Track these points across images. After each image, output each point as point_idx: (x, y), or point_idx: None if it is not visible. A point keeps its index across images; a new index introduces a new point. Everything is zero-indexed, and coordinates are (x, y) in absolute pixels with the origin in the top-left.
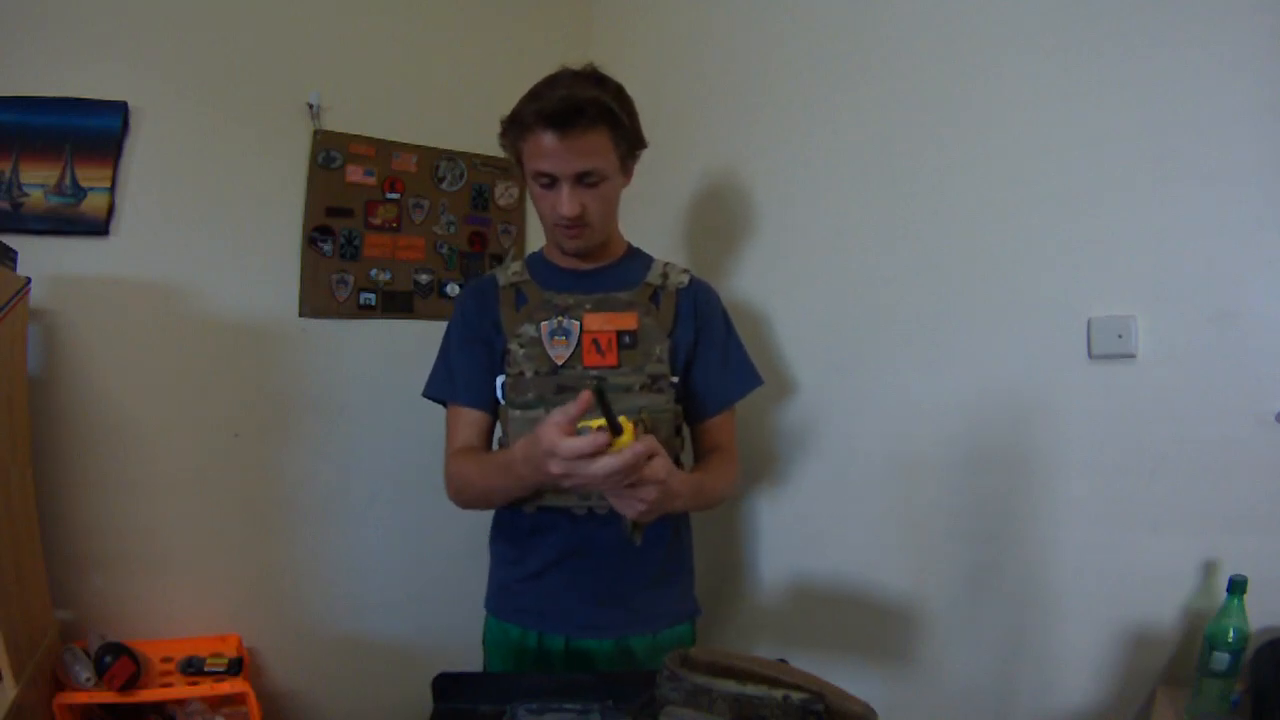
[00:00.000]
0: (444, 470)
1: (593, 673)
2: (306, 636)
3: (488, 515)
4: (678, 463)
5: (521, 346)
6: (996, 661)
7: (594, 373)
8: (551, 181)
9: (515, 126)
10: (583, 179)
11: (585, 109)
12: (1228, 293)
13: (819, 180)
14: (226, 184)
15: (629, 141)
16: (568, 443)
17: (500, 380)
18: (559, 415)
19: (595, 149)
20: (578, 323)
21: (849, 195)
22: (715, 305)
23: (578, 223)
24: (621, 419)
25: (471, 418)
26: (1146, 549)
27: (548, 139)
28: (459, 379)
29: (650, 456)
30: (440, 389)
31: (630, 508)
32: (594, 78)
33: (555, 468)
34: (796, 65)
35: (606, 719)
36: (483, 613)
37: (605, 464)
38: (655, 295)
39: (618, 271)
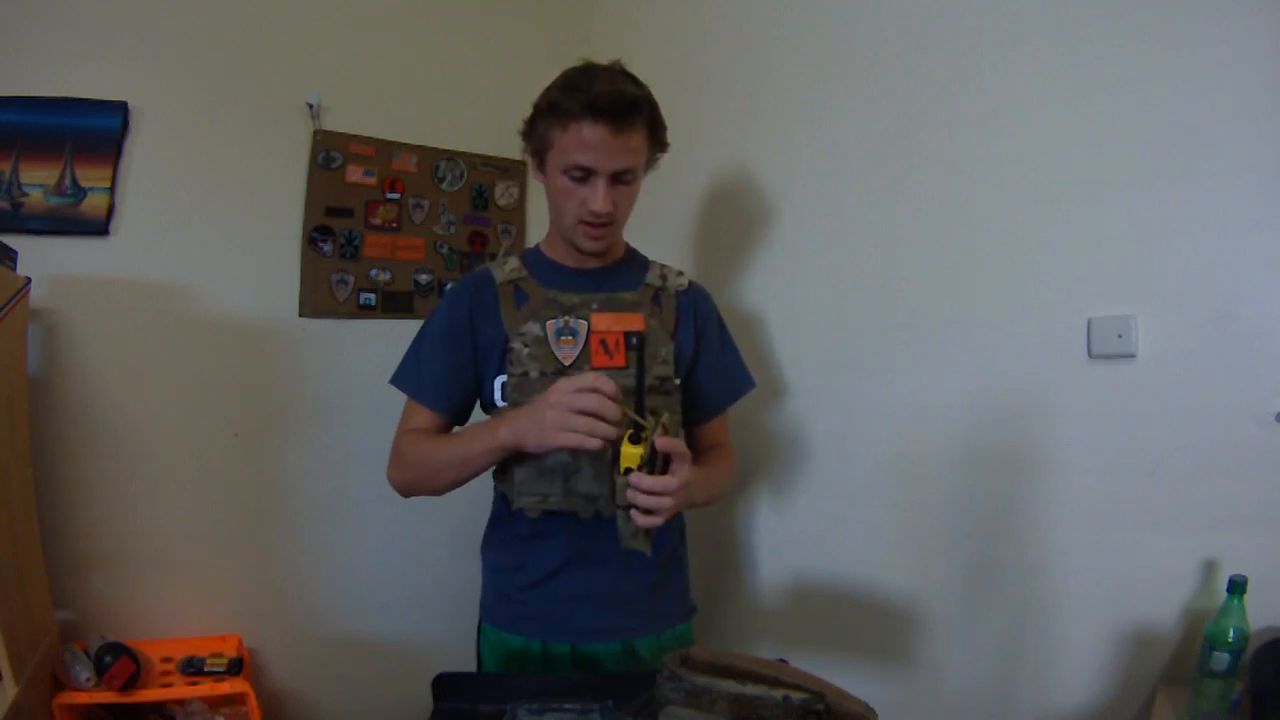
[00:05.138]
0: (391, 447)
1: (592, 673)
2: (306, 636)
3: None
4: None
5: (525, 346)
6: (996, 661)
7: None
8: (586, 175)
9: (554, 115)
10: (619, 176)
11: (639, 106)
12: (1228, 293)
13: (819, 180)
14: (226, 184)
15: (658, 145)
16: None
17: (500, 380)
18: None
19: (637, 147)
20: (585, 322)
21: (849, 195)
22: (712, 309)
23: (607, 220)
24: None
25: (427, 416)
26: (1146, 549)
27: (596, 132)
28: (425, 377)
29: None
30: (404, 381)
31: (650, 515)
32: (630, 76)
33: (563, 388)
34: (796, 65)
35: (606, 719)
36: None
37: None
38: (657, 297)
39: (619, 271)
